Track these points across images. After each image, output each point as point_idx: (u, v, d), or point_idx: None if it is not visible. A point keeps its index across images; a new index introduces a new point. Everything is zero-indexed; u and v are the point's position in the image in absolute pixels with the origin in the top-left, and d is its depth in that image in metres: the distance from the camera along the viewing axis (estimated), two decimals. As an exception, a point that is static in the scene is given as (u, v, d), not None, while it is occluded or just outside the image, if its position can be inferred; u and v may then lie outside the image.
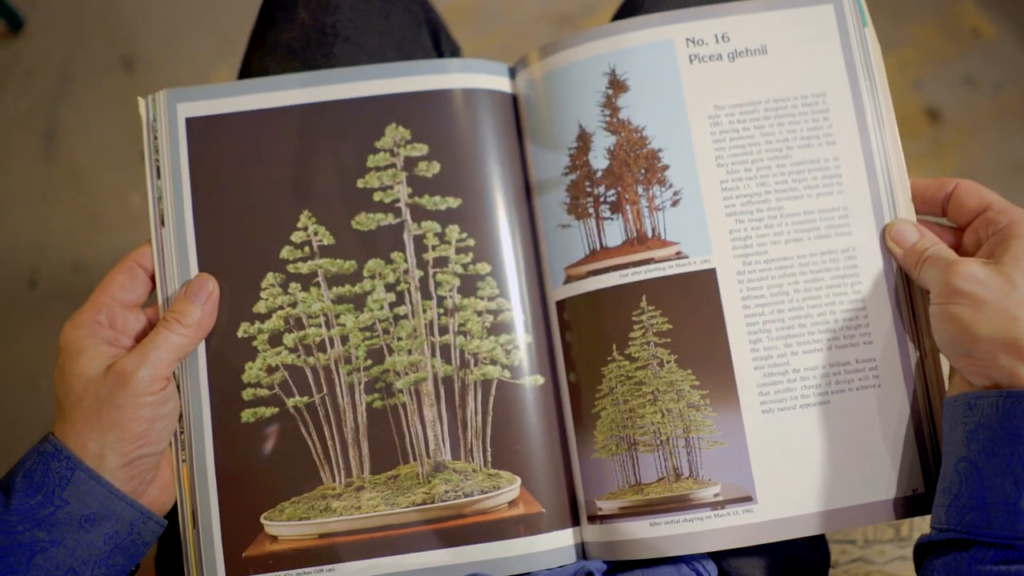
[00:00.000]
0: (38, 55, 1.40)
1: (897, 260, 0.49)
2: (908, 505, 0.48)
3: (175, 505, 0.50)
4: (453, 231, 0.51)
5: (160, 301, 0.50)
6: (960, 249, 0.49)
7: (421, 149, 0.52)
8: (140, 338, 0.49)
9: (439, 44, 0.71)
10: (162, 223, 0.50)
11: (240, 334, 0.50)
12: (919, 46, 1.22)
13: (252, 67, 0.64)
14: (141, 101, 0.51)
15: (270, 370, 0.50)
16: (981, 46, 1.21)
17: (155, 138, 0.51)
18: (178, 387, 0.49)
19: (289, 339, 0.50)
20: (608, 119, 0.51)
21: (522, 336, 0.51)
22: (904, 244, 0.48)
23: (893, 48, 1.22)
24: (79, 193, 1.32)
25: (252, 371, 0.50)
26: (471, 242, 0.51)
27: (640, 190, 0.50)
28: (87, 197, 1.32)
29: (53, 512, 0.44)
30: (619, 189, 0.51)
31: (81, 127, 1.35)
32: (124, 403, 0.45)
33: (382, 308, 0.51)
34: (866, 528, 0.68)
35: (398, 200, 0.51)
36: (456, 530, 0.49)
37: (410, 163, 0.51)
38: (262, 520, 0.49)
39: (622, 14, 0.66)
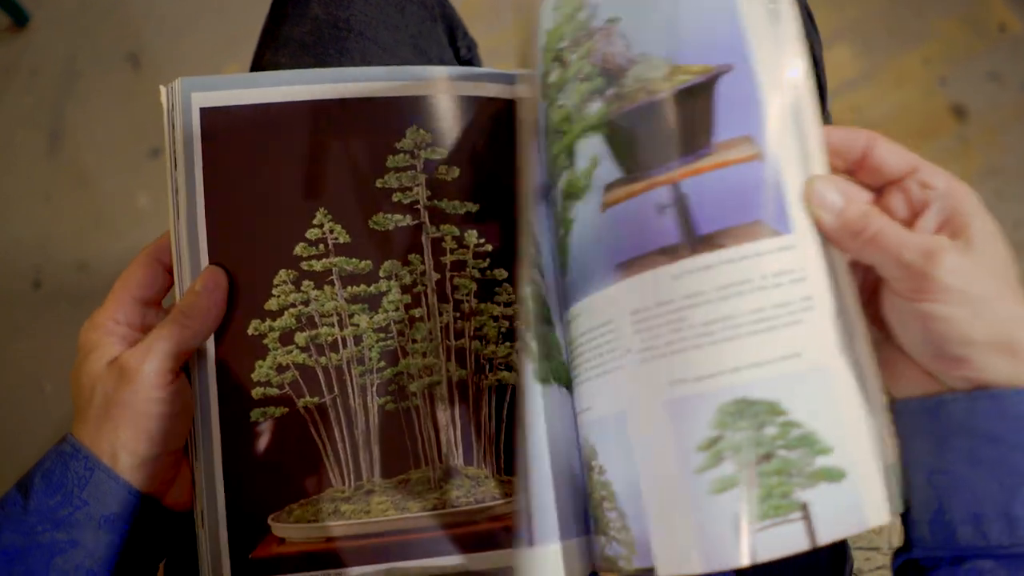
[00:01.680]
0: (44, 52, 1.39)
1: (822, 228, 0.38)
2: None
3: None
4: (471, 235, 0.51)
5: (177, 295, 0.49)
6: (889, 214, 0.39)
7: (441, 153, 0.51)
8: None
9: (455, 40, 0.70)
10: (177, 215, 0.50)
11: (250, 331, 0.49)
12: (944, 41, 1.20)
13: (264, 62, 0.63)
14: (163, 90, 0.50)
15: (280, 369, 0.49)
16: (1008, 41, 1.19)
17: (172, 128, 0.50)
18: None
19: (301, 338, 0.49)
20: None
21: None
22: (831, 209, 0.37)
23: (917, 43, 1.20)
24: (84, 192, 1.31)
25: (262, 369, 0.49)
26: (489, 247, 0.51)
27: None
28: (92, 196, 1.31)
29: (72, 513, 0.43)
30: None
31: (87, 125, 1.35)
32: (131, 399, 0.44)
33: (397, 309, 0.50)
34: (891, 535, 0.67)
35: (417, 202, 0.51)
36: (467, 536, 0.48)
37: (430, 166, 0.51)
38: (270, 522, 0.48)
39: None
